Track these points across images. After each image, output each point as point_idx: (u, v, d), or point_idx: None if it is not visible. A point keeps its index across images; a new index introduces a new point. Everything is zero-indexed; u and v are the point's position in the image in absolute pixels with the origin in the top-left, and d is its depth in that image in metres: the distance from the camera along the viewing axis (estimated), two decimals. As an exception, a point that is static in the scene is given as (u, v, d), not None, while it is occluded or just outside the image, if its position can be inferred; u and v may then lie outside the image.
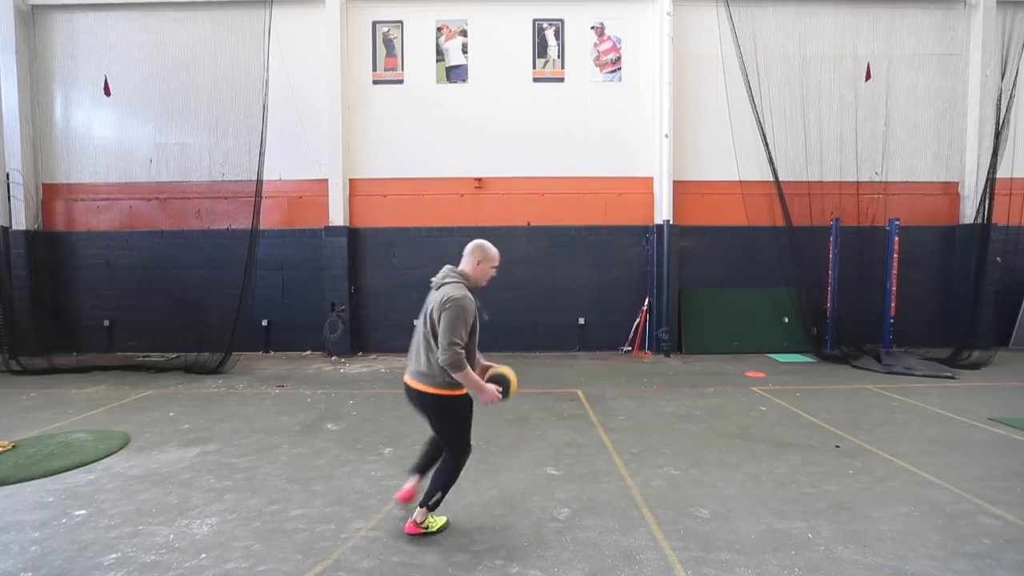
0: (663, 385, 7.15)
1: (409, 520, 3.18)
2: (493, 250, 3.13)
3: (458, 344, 2.82)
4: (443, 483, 3.10)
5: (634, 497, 3.69)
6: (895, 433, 5.02)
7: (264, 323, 9.67)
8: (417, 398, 3.05)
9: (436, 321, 2.89)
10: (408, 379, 3.09)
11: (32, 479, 4.01)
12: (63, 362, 8.43)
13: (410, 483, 3.36)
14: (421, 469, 3.37)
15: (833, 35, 9.58)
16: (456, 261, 3.16)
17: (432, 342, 2.94)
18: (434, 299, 2.97)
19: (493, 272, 3.14)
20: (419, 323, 3.05)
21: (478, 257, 3.07)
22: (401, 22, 9.67)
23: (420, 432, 5.12)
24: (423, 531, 3.17)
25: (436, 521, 3.23)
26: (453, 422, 3.07)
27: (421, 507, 3.14)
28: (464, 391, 3.02)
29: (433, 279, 3.10)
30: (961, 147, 9.64)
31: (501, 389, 3.01)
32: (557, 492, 3.79)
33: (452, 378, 2.89)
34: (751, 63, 9.30)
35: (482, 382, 2.97)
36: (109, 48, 9.58)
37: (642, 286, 9.81)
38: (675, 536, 3.16)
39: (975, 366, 7.96)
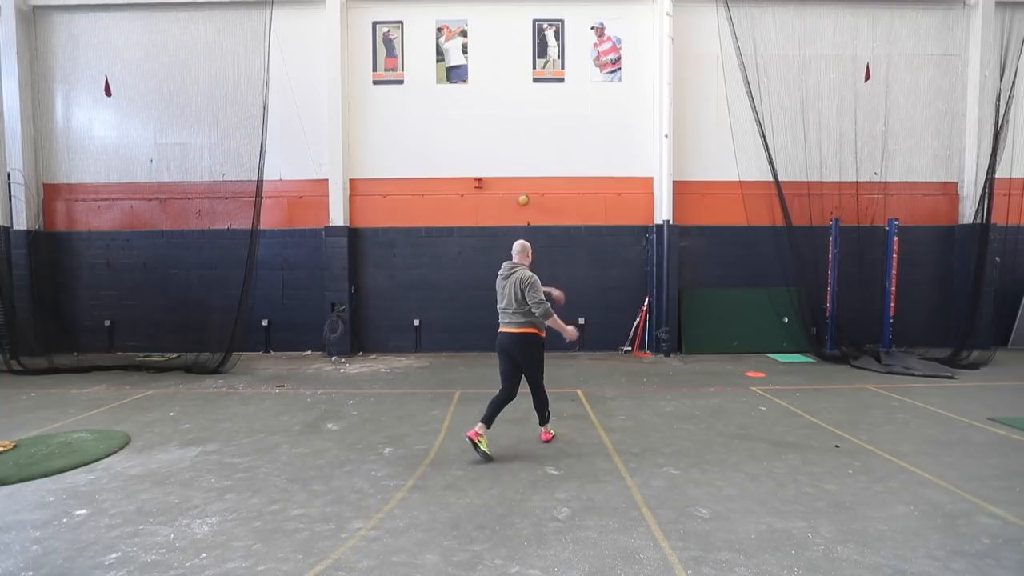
0: (663, 385, 7.15)
1: (541, 431, 4.86)
2: (530, 246, 4.74)
3: (545, 301, 4.40)
4: (544, 404, 4.72)
5: (634, 497, 3.69)
6: (895, 433, 5.03)
7: (264, 323, 9.69)
8: (517, 340, 4.42)
9: (523, 291, 4.36)
10: (508, 329, 4.46)
11: (33, 479, 4.02)
12: (63, 362, 8.44)
13: (478, 427, 4.40)
14: (488, 420, 4.45)
15: (832, 35, 9.59)
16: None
17: (524, 302, 4.37)
18: (515, 278, 4.41)
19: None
20: (507, 295, 4.44)
21: (528, 252, 4.67)
22: (401, 22, 9.67)
23: (420, 432, 5.14)
24: (552, 437, 4.85)
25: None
26: (539, 357, 4.56)
27: (543, 425, 4.82)
28: (544, 334, 4.54)
29: (500, 272, 4.57)
30: (960, 147, 9.64)
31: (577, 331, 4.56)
32: (557, 492, 3.79)
33: (542, 324, 4.44)
34: (751, 63, 9.30)
35: (563, 324, 4.47)
36: (110, 48, 9.59)
37: (642, 286, 9.81)
38: (675, 536, 3.16)
39: (974, 366, 7.96)
